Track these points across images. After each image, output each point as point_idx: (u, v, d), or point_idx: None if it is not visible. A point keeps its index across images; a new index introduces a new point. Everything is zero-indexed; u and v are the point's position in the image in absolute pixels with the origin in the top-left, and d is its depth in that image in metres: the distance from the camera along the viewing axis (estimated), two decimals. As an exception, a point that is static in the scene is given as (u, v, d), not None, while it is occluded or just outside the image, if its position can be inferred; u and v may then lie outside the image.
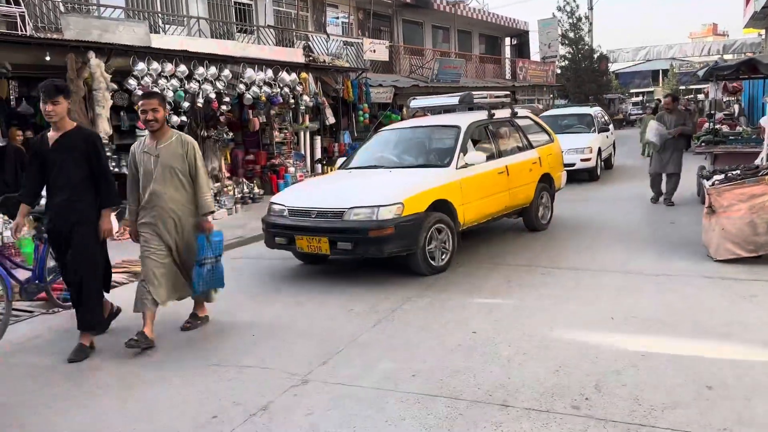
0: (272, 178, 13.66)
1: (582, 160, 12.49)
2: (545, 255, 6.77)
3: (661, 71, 64.99)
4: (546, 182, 8.19)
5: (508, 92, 8.73)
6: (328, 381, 3.70)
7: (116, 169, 11.08)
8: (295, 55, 15.51)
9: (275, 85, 13.09)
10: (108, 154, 10.91)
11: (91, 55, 9.48)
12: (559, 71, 36.28)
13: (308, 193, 6.73)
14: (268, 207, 6.67)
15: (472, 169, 6.68)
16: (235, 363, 4.11)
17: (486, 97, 8.44)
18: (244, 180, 12.93)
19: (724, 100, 13.70)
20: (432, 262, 6.06)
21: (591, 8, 38.91)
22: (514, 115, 8.22)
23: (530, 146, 8.05)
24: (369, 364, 3.95)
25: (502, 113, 8.11)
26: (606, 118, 15.81)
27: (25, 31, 9.84)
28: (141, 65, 10.19)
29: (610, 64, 44.63)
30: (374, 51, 19.94)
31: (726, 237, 6.08)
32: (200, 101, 11.36)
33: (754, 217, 6.01)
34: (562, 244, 7.32)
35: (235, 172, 13.43)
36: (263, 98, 12.76)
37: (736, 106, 14.88)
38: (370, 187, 6.33)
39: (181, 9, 15.09)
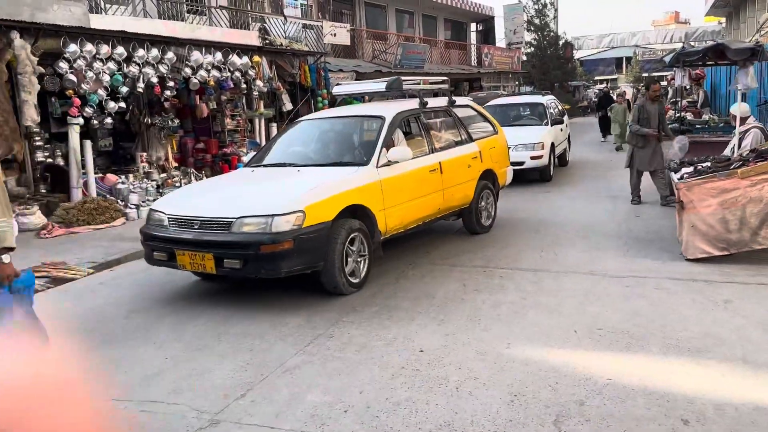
0: (224, 167, 12.90)
1: (532, 157, 10.74)
2: (504, 255, 6.29)
3: (624, 58, 65.57)
4: (488, 179, 7.33)
5: (445, 78, 7.72)
6: (242, 421, 3.12)
7: (50, 160, 10.28)
8: (250, 37, 14.72)
9: (225, 69, 12.33)
10: (39, 143, 10.15)
11: (15, 35, 8.62)
12: (524, 58, 36.01)
13: (195, 198, 5.63)
14: (147, 215, 5.54)
15: (396, 167, 5.74)
16: (140, 397, 3.49)
17: (419, 83, 7.39)
18: (194, 170, 12.18)
19: (687, 87, 13.37)
20: (351, 279, 5.14)
21: (556, -6, 38.74)
22: (451, 104, 7.27)
23: (470, 139, 7.12)
24: (296, 395, 3.38)
25: (437, 102, 7.22)
26: (560, 107, 14.15)
27: (-59, 7, 8.89)
28: (73, 47, 9.36)
29: (574, 51, 44.66)
30: (335, 35, 19.21)
31: (696, 234, 5.67)
32: (140, 86, 10.57)
33: (726, 213, 5.61)
34: (522, 242, 6.83)
35: (184, 161, 12.67)
36: (212, 83, 12.00)
37: (701, 93, 14.58)
38: (268, 191, 5.43)
39: (125, -13, 14.13)
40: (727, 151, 6.83)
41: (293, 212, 4.73)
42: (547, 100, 13.14)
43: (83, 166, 9.67)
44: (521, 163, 10.45)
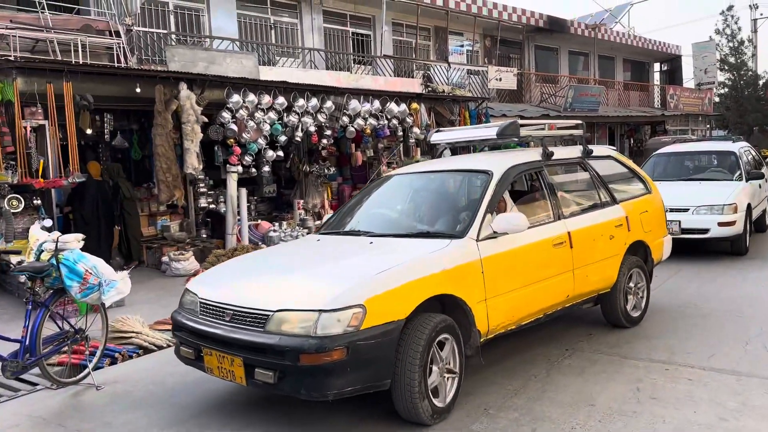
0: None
1: (721, 224, 8.24)
2: (693, 346, 4.93)
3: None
4: (638, 254, 5.68)
5: (580, 122, 6.04)
6: None
7: (212, 206, 10.64)
8: (412, 85, 14.56)
9: (382, 116, 12.11)
10: (203, 190, 10.56)
11: (182, 86, 9.02)
12: (717, 99, 32.44)
13: (237, 275, 4.34)
14: (182, 295, 4.29)
15: (505, 240, 4.29)
16: None
17: (543, 128, 5.76)
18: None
19: None
20: (434, 402, 3.67)
21: (755, 30, 34.76)
22: (586, 154, 5.59)
23: (612, 201, 5.51)
24: None
25: (566, 152, 5.58)
26: (757, 156, 11.32)
27: (125, 62, 9.64)
28: (236, 97, 9.62)
29: (779, 92, 39.53)
30: (500, 79, 18.51)
31: None
32: (299, 135, 10.63)
33: None
34: (717, 330, 5.37)
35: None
36: (368, 131, 11.82)
37: None
38: (321, 273, 4.01)
39: (296, 41, 14.74)
40: None
41: (348, 307, 3.39)
42: (740, 147, 10.35)
43: (239, 213, 9.81)
44: (704, 231, 8.31)
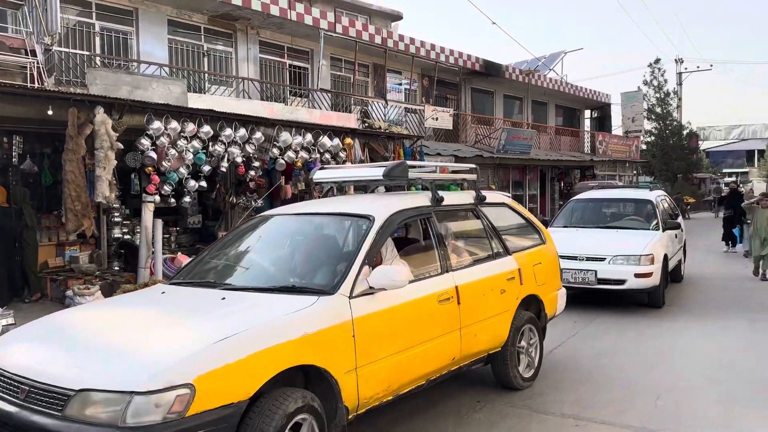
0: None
1: (638, 275, 7.85)
2: (606, 399, 4.85)
3: (756, 151, 60.87)
4: (531, 308, 5.33)
5: (474, 165, 5.72)
6: None
7: (128, 236, 10.08)
8: (348, 120, 14.47)
9: (314, 150, 11.91)
10: (118, 219, 9.99)
11: (99, 110, 8.55)
12: (644, 147, 33.94)
13: (45, 337, 3.49)
14: None
15: (384, 297, 3.73)
16: None
17: (434, 170, 5.41)
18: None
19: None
20: None
21: (680, 84, 36.82)
22: (479, 201, 5.17)
23: (505, 251, 5.09)
24: None
25: (458, 198, 5.16)
26: (672, 205, 11.15)
27: (41, 83, 9.11)
28: (157, 123, 9.20)
29: (700, 142, 41.81)
30: (436, 119, 18.71)
31: None
32: (224, 165, 10.27)
33: None
34: (630, 382, 5.34)
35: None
36: (299, 164, 11.57)
37: None
38: (146, 338, 3.21)
39: (230, 69, 14.45)
40: None
41: (170, 388, 2.71)
42: (657, 196, 10.12)
43: (154, 245, 9.31)
44: (620, 282, 7.91)
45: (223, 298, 3.66)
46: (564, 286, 7.21)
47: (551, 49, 28.98)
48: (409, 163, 4.84)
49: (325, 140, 12.06)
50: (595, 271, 8.01)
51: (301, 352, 3.22)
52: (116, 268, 9.74)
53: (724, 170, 57.19)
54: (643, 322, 7.62)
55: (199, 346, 2.94)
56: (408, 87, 19.76)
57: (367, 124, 15.05)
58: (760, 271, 10.61)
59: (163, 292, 4.09)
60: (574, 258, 8.12)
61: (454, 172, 5.80)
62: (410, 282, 3.87)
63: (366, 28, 16.89)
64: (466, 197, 5.21)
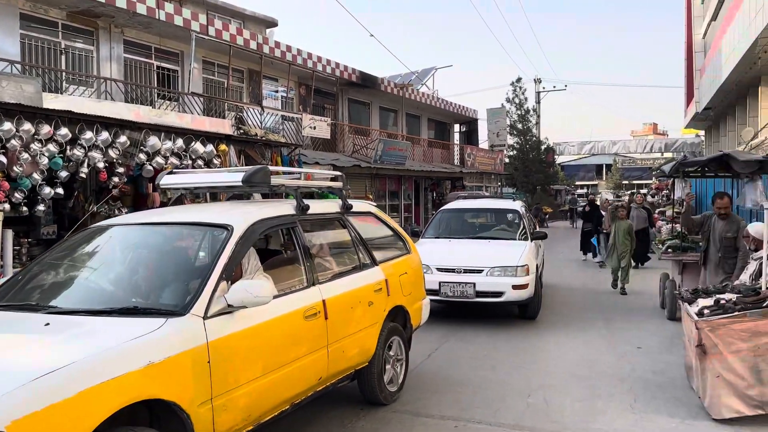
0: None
1: (516, 287, 7.65)
2: (481, 400, 5.04)
3: (605, 165, 67.01)
4: (398, 320, 5.17)
5: (340, 173, 5.57)
6: None
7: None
8: (222, 126, 13.96)
9: (186, 156, 11.38)
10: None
11: (-64, 108, 7.60)
12: (507, 160, 36.09)
13: None
14: None
15: (244, 315, 3.38)
16: None
17: (299, 177, 5.17)
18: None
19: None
20: None
21: (538, 102, 39.63)
22: (345, 209, 4.98)
23: (372, 262, 4.92)
24: None
25: (323, 206, 4.89)
26: (530, 215, 11.21)
27: None
28: (8, 125, 8.32)
29: (556, 156, 45.22)
30: (314, 128, 18.63)
31: (723, 387, 4.51)
32: (84, 171, 9.52)
33: (759, 362, 4.48)
34: (503, 383, 5.60)
35: (132, 254, 11.44)
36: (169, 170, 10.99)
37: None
38: None
39: (91, 69, 13.46)
40: (744, 278, 5.81)
41: None
42: (521, 206, 10.18)
43: (3, 258, 8.41)
44: (498, 294, 7.65)
45: (47, 324, 3.03)
46: (439, 300, 7.32)
47: (423, 65, 30.01)
48: (272, 168, 4.46)
49: (197, 146, 11.56)
50: (474, 284, 7.70)
51: (146, 384, 2.76)
52: (22, 268, 8.68)
53: (577, 182, 62.21)
54: (513, 327, 7.99)
55: (13, 386, 2.39)
56: (285, 95, 19.55)
57: (242, 131, 14.62)
58: (619, 284, 10.45)
59: None
60: (452, 271, 7.83)
61: (318, 179, 5.57)
62: (274, 297, 3.54)
63: (240, 32, 16.49)
64: (332, 206, 4.97)
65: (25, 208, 8.94)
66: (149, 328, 2.95)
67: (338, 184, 5.29)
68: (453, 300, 7.85)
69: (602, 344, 6.93)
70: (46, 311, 3.29)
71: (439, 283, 7.74)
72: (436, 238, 9.39)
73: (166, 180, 4.76)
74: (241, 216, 3.90)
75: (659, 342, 6.94)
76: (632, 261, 11.50)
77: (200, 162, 11.66)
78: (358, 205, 5.26)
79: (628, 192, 43.30)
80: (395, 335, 5.03)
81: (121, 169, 10.23)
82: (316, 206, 4.67)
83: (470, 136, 32.98)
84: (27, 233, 10.62)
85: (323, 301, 4.07)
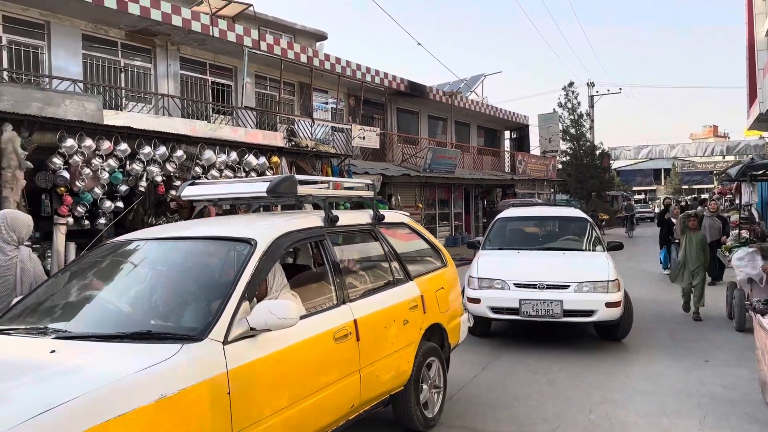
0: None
1: (609, 304, 6.70)
2: (541, 414, 4.88)
3: (663, 170, 64.94)
4: (434, 339, 4.77)
5: (371, 181, 5.20)
6: None
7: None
8: (275, 138, 14.21)
9: (240, 169, 11.60)
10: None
11: (7, 127, 7.97)
12: (560, 166, 35.40)
13: None
14: None
15: (268, 339, 3.10)
16: None
17: (327, 187, 4.77)
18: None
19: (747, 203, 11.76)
20: None
21: (592, 106, 38.72)
22: (377, 220, 4.64)
23: (406, 276, 4.56)
24: None
25: (353, 217, 4.54)
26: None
27: (-63, 97, 8.41)
28: (70, 142, 8.68)
29: (611, 162, 44.09)
30: (363, 138, 18.74)
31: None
32: (143, 185, 9.82)
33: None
34: (562, 396, 5.42)
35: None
36: (223, 184, 11.23)
37: (754, 212, 12.95)
38: None
39: (149, 86, 13.92)
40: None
41: None
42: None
43: (67, 271, 8.72)
44: (589, 313, 6.73)
45: (53, 351, 2.76)
46: (520, 320, 6.73)
47: (472, 72, 29.86)
48: (299, 177, 4.15)
49: (250, 159, 11.78)
50: (561, 302, 6.74)
51: (157, 422, 2.48)
52: (35, 288, 9.06)
53: (634, 188, 60.52)
54: (568, 341, 7.74)
55: (9, 425, 2.16)
56: (334, 106, 19.73)
57: (293, 143, 14.84)
58: (692, 307, 8.80)
59: None
60: (533, 286, 6.94)
61: (348, 188, 5.19)
62: (301, 317, 3.19)
63: (291, 46, 16.76)
64: (363, 217, 4.62)
65: (86, 222, 9.28)
66: (163, 355, 2.66)
67: (369, 193, 4.93)
68: (536, 320, 6.91)
69: (666, 357, 6.63)
70: (54, 335, 3.00)
71: (520, 300, 6.84)
72: (499, 249, 8.29)
73: (187, 191, 4.46)
74: (265, 229, 3.62)
75: (728, 355, 6.60)
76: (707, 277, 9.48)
77: (253, 174, 11.87)
78: (390, 216, 4.96)
79: (688, 197, 41.77)
80: (432, 356, 4.62)
81: (178, 183, 10.49)
82: (346, 217, 4.37)
83: (521, 142, 32.53)
84: (89, 246, 10.99)
85: (354, 320, 3.75)
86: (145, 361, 2.59)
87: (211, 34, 13.85)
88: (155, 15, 12.63)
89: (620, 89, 39.63)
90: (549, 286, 6.89)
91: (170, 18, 12.93)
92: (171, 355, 2.66)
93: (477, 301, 7.14)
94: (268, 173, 12.29)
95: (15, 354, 2.87)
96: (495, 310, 7.07)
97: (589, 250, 8.04)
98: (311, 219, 4.03)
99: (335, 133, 17.91)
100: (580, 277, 6.90)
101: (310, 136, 16.52)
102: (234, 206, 5.62)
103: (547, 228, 9.06)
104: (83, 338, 2.93)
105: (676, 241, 11.66)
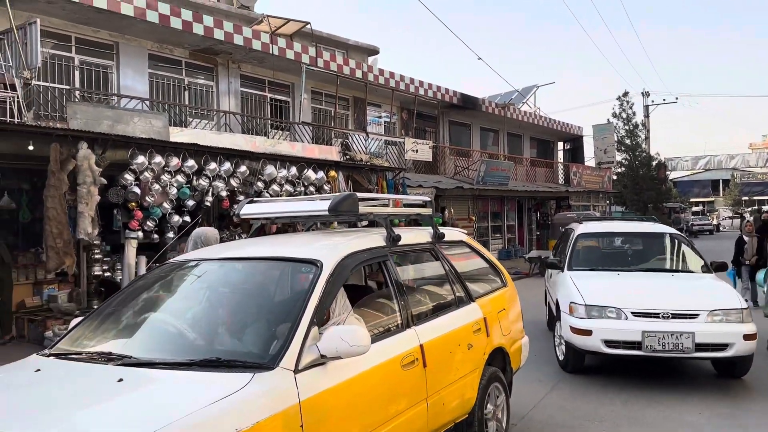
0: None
1: (747, 336, 5.84)
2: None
3: (721, 181, 62.67)
4: (496, 363, 4.49)
5: (428, 198, 5.00)
6: None
7: (108, 274, 9.76)
8: (330, 152, 14.44)
9: (299, 183, 11.82)
10: (98, 256, 9.66)
11: (82, 145, 8.35)
12: (615, 177, 34.63)
13: None
14: None
15: (337, 368, 2.91)
16: None
17: (387, 204, 4.68)
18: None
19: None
20: None
21: (647, 116, 37.82)
22: (437, 238, 4.46)
23: (468, 297, 4.32)
24: None
25: (413, 236, 4.32)
26: None
27: (20, 118, 8.89)
28: (141, 158, 9.03)
29: (668, 172, 42.89)
30: (416, 151, 18.80)
31: None
32: (209, 199, 10.12)
33: None
34: (636, 418, 5.28)
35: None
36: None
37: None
38: None
39: (211, 103, 14.35)
40: None
41: None
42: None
43: (138, 283, 9.03)
44: (723, 347, 5.83)
45: (120, 380, 2.61)
46: (642, 356, 5.95)
47: (524, 83, 29.61)
48: (360, 195, 4.03)
49: (309, 173, 12.00)
50: (693, 334, 5.82)
51: None
52: (96, 307, 9.42)
53: (692, 199, 58.63)
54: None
55: None
56: (387, 120, 19.87)
57: (348, 157, 15.03)
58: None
59: (38, 370, 2.90)
60: (656, 315, 5.99)
61: (408, 206, 5.06)
62: (369, 346, 2.98)
63: (346, 62, 17.01)
64: (423, 235, 4.42)
65: (156, 236, 9.61)
66: (235, 385, 2.49)
67: (429, 211, 4.75)
68: (661, 356, 5.95)
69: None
70: (119, 362, 2.83)
71: (642, 333, 5.87)
72: (591, 270, 7.38)
73: (246, 210, 4.32)
74: (329, 250, 3.43)
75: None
76: None
77: (311, 188, 12.07)
78: (450, 234, 4.78)
79: (748, 209, 40.18)
80: (496, 381, 4.36)
81: (241, 197, 10.76)
82: (407, 236, 4.16)
83: (575, 153, 31.98)
84: (156, 259, 11.37)
85: (420, 345, 3.52)
86: (216, 392, 2.44)
87: (270, 52, 14.19)
88: (218, 34, 13.03)
89: (676, 98, 38.68)
90: (674, 316, 5.97)
91: (232, 37, 13.32)
92: (243, 385, 2.50)
93: (587, 333, 6.12)
94: (325, 187, 12.48)
95: (79, 383, 2.75)
96: (610, 343, 6.02)
97: (696, 272, 7.20)
98: (373, 238, 3.84)
99: (388, 146, 18.03)
100: (709, 305, 6.03)
101: (364, 149, 16.68)
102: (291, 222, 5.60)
103: (636, 246, 8.21)
104: (149, 365, 2.79)
105: (747, 262, 10.68)
